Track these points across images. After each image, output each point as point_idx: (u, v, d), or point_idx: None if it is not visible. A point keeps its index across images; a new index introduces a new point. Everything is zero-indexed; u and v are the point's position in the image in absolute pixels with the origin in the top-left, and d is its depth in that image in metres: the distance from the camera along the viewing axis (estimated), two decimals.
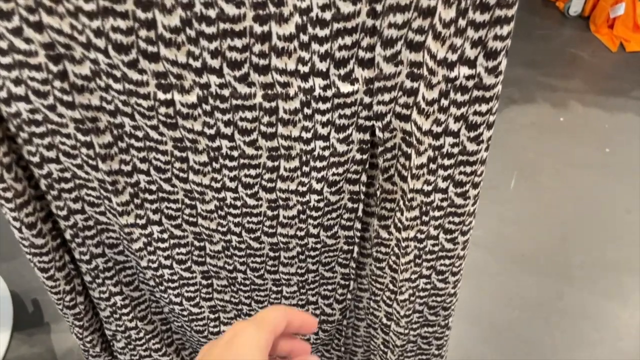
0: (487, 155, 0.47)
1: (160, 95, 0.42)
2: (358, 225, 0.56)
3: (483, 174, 0.49)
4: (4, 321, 1.28)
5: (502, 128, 1.68)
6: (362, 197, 0.53)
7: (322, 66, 0.41)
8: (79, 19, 0.38)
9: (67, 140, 0.46)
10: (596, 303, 1.29)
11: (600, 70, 1.97)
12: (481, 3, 0.37)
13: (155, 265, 0.59)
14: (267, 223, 0.54)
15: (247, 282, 0.62)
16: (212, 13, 0.38)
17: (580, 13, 2.16)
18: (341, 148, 0.47)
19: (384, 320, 0.66)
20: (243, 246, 0.57)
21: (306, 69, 0.41)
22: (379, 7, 0.39)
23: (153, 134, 0.46)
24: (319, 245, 0.57)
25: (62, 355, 1.23)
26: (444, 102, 0.42)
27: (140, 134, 0.46)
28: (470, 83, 0.41)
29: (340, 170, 0.49)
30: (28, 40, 0.39)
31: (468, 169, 0.47)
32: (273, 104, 0.43)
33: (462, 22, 0.38)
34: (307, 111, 0.44)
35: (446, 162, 0.47)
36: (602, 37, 2.07)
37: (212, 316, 0.69)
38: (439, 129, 0.44)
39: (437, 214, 0.51)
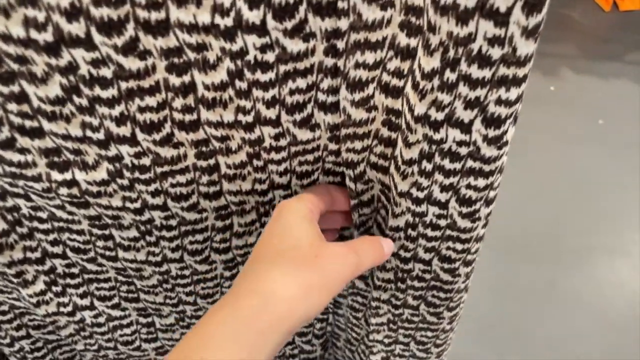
0: (485, 232, 0.39)
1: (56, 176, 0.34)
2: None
3: (479, 251, 0.41)
4: None
5: None
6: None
7: (268, 113, 0.33)
8: None
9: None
10: (590, 290, 1.24)
11: (592, 32, 1.86)
12: (479, 55, 0.27)
13: (95, 347, 0.52)
14: (226, 284, 0.47)
15: (201, 313, 0.56)
16: (107, 72, 0.29)
17: None
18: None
19: None
20: (202, 313, 0.50)
21: (248, 118, 0.33)
22: (340, 44, 0.30)
23: (61, 213, 0.37)
24: None
25: None
26: (427, 166, 0.33)
27: (43, 214, 0.37)
28: (464, 150, 0.32)
29: None
30: None
31: (459, 246, 0.39)
32: (212, 160, 0.35)
33: (450, 76, 0.29)
34: (257, 163, 0.35)
35: (430, 232, 0.38)
36: None
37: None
38: (421, 195, 0.35)
39: (417, 284, 0.43)
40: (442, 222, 0.37)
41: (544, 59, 1.74)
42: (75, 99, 0.30)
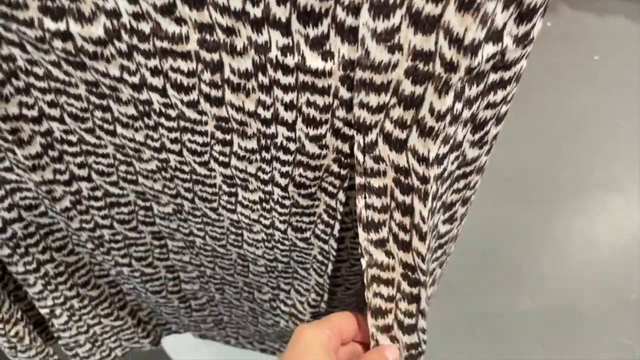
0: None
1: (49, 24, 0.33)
2: (334, 243, 0.46)
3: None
4: None
5: None
6: (340, 216, 0.43)
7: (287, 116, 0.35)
8: None
9: None
10: (583, 225, 1.26)
11: None
12: (477, 75, 0.29)
13: (91, 225, 0.50)
14: (224, 197, 0.45)
15: (208, 248, 0.55)
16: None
17: None
18: (311, 148, 0.36)
19: None
20: (198, 213, 0.48)
21: (268, 114, 0.35)
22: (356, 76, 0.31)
23: (57, 72, 0.37)
24: (287, 242, 0.49)
25: None
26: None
27: (40, 71, 0.37)
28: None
29: (310, 174, 0.39)
30: None
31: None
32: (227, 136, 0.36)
33: (458, 106, 0.31)
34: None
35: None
36: None
37: (170, 275, 0.61)
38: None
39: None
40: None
41: None
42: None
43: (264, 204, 0.44)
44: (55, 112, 0.40)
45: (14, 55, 0.36)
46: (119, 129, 0.40)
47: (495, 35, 0.27)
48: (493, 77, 0.29)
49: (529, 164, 1.35)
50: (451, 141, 0.31)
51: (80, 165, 0.45)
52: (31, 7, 0.32)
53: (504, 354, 1.09)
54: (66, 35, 0.33)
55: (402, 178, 0.33)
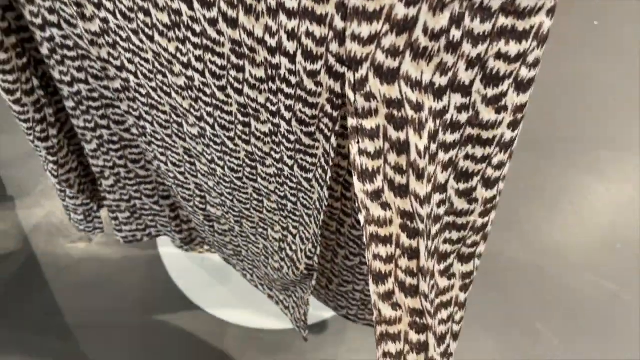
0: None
1: None
2: (326, 192, 0.46)
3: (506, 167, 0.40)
4: None
5: None
6: (332, 162, 0.43)
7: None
8: None
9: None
10: (573, 177, 1.30)
11: None
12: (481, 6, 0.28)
13: (136, 114, 0.53)
14: (240, 128, 0.47)
15: (227, 179, 0.57)
16: None
17: None
18: (309, 84, 0.37)
19: None
20: (218, 141, 0.50)
21: None
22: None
23: None
24: (294, 180, 0.50)
25: (30, 230, 1.18)
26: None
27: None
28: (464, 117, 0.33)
29: (308, 112, 0.39)
30: None
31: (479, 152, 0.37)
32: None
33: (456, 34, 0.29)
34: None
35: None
36: None
37: (198, 192, 0.64)
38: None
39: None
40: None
41: None
42: None
43: (273, 137, 0.45)
44: (110, 5, 0.42)
45: None
46: (156, 36, 0.42)
47: None
48: None
49: (527, 118, 1.39)
50: (450, 74, 0.30)
51: (129, 61, 0.47)
52: None
53: (494, 294, 1.13)
54: None
55: (394, 112, 0.32)
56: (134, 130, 0.59)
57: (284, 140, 0.44)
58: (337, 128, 0.38)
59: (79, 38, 0.48)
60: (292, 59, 0.35)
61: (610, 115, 1.41)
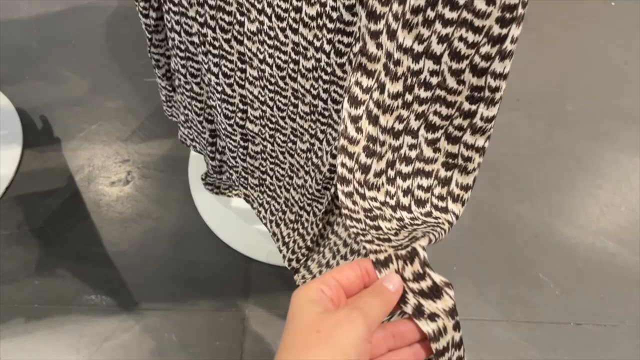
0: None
1: None
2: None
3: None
4: (14, 138, 1.31)
5: None
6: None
7: None
8: None
9: None
10: (583, 145, 1.36)
11: None
12: None
13: (202, 20, 0.62)
14: (292, 15, 0.55)
15: (272, 80, 0.66)
16: None
17: None
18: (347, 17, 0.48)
19: None
20: (272, 34, 0.59)
21: None
22: None
23: None
24: (329, 70, 0.58)
25: (75, 171, 1.28)
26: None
27: None
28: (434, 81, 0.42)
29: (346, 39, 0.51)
30: None
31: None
32: None
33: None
34: None
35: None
36: None
37: (241, 107, 0.72)
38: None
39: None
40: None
41: None
42: None
43: (318, 20, 0.53)
44: None
45: None
46: None
47: None
48: None
49: (542, 86, 1.46)
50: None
51: None
52: None
53: (501, 246, 1.20)
54: None
55: (389, 63, 0.42)
56: (196, 39, 0.67)
57: (327, 21, 0.52)
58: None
59: None
60: None
61: (621, 87, 1.47)
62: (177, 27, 0.67)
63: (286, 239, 0.89)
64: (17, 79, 1.42)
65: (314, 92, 0.62)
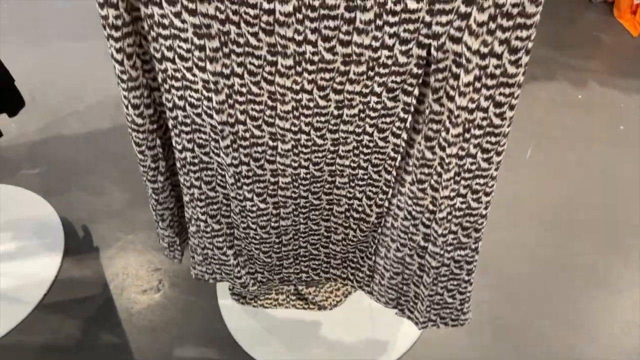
0: (524, 80, 0.58)
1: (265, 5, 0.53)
2: (405, 135, 0.66)
3: (518, 98, 0.59)
4: (56, 246, 1.40)
5: (523, 102, 1.76)
6: (413, 109, 0.63)
7: None
8: None
9: (184, 44, 0.57)
10: (599, 260, 1.39)
11: (620, 53, 2.05)
12: None
13: (237, 162, 0.70)
14: (332, 121, 0.65)
15: (308, 176, 0.74)
16: None
17: None
18: (402, 59, 0.57)
19: (422, 243, 0.77)
20: (309, 143, 0.68)
21: None
22: None
23: (252, 40, 0.56)
24: (371, 144, 0.68)
25: (110, 279, 1.35)
26: (492, 25, 0.52)
27: (241, 40, 0.57)
28: (515, 10, 0.51)
29: (399, 79, 0.59)
30: None
31: (507, 91, 0.57)
32: (352, 14, 0.54)
33: None
34: (378, 22, 0.54)
35: (489, 82, 0.57)
36: (625, 23, 2.14)
37: (274, 212, 0.80)
38: (486, 50, 0.54)
39: (477, 132, 0.61)
40: (498, 71, 0.56)
41: (574, 72, 1.93)
42: None
43: (360, 114, 0.63)
44: (239, 70, 0.60)
45: (230, 30, 0.55)
46: (277, 79, 0.60)
47: None
48: None
49: (556, 203, 1.52)
50: None
51: (242, 112, 0.65)
52: None
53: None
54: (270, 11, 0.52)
55: (457, 59, 0.54)
56: (227, 183, 0.75)
57: (370, 112, 0.62)
58: (420, 81, 0.59)
59: (197, 117, 0.66)
60: (390, 49, 0.56)
61: (629, 205, 1.52)
62: (198, 183, 0.77)
63: (343, 275, 0.95)
64: (64, 190, 1.54)
65: (354, 165, 0.71)
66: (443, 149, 0.64)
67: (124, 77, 0.62)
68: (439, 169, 0.67)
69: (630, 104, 1.82)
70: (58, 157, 1.64)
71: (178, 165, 0.75)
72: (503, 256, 1.39)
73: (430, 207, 0.72)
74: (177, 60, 0.59)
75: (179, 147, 0.71)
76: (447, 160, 0.65)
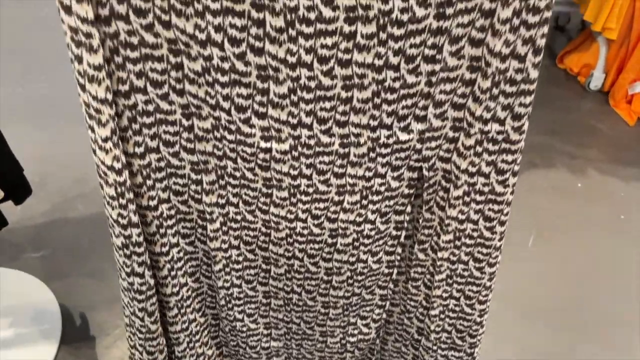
0: (512, 199, 0.59)
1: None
2: (400, 250, 0.67)
3: (508, 215, 0.61)
4: (53, 334, 1.38)
5: (522, 190, 1.78)
6: (406, 225, 0.64)
7: (388, 121, 0.54)
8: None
9: (171, 128, 0.55)
10: (605, 356, 1.36)
11: (617, 141, 2.08)
12: (510, 79, 0.50)
13: (228, 284, 0.70)
14: (326, 249, 0.66)
15: (300, 303, 0.73)
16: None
17: (600, 88, 2.30)
18: (394, 184, 0.59)
19: (415, 336, 0.76)
20: (302, 270, 0.68)
21: (375, 123, 0.54)
22: (433, 79, 0.52)
23: (248, 174, 0.58)
24: (365, 270, 0.68)
25: None
26: (479, 149, 0.55)
27: (238, 174, 0.58)
28: (500, 137, 0.53)
29: (391, 202, 0.61)
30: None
31: (496, 207, 0.59)
32: (346, 149, 0.56)
33: (495, 90, 0.51)
34: (372, 155, 0.56)
35: (478, 197, 0.58)
36: (621, 112, 2.20)
37: (265, 332, 0.79)
38: (474, 170, 0.56)
39: (468, 241, 0.62)
40: (486, 189, 0.57)
41: (573, 160, 1.96)
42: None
43: (355, 243, 0.64)
44: (235, 200, 0.60)
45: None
46: (272, 209, 0.62)
47: None
48: None
49: (559, 296, 1.50)
50: (492, 111, 0.53)
51: (236, 238, 0.65)
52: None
53: None
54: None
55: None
56: (219, 303, 0.74)
57: (365, 240, 0.61)
58: (411, 200, 0.59)
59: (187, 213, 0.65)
60: (383, 176, 0.58)
61: (633, 297, 1.50)
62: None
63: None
64: (65, 275, 1.54)
65: (348, 294, 0.70)
66: (435, 251, 0.65)
67: (111, 192, 0.58)
68: (431, 269, 0.67)
69: (630, 193, 1.84)
70: (62, 241, 1.65)
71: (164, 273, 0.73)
72: (502, 354, 1.36)
73: (424, 303, 0.72)
74: (171, 196, 0.61)
75: (165, 248, 0.68)
76: (438, 263, 0.65)
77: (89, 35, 0.45)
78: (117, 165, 0.54)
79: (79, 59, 0.47)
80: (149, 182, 0.59)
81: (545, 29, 0.51)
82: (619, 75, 2.22)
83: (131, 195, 0.58)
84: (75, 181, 1.86)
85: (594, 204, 1.80)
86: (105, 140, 0.53)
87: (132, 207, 0.58)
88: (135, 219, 0.59)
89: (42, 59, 2.40)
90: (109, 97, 0.50)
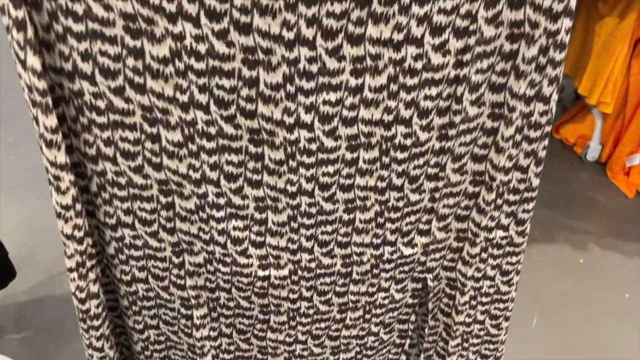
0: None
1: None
2: (404, 357, 0.62)
3: (512, 309, 0.58)
4: None
5: (524, 266, 1.73)
6: (410, 333, 0.60)
7: (391, 238, 0.51)
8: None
9: (160, 264, 0.53)
10: None
11: (617, 214, 2.06)
12: (514, 189, 0.47)
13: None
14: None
15: None
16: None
17: (597, 159, 2.29)
18: (398, 296, 0.55)
19: None
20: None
21: (378, 241, 0.51)
22: (437, 195, 0.49)
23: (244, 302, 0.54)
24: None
25: None
26: (484, 255, 0.52)
27: (232, 304, 0.55)
28: (504, 242, 0.51)
29: (395, 314, 0.57)
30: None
31: (501, 305, 0.56)
32: (348, 269, 0.52)
33: (499, 201, 0.48)
34: (375, 271, 0.53)
35: (484, 299, 0.55)
36: (619, 184, 2.18)
37: None
38: (479, 275, 0.53)
39: (475, 341, 0.58)
40: (491, 290, 0.53)
41: (574, 234, 1.92)
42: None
43: (357, 356, 0.60)
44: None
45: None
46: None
47: None
48: None
49: None
50: (496, 220, 0.51)
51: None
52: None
53: None
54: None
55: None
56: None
57: (368, 351, 0.57)
58: (416, 309, 0.55)
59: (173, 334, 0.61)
60: (386, 290, 0.53)
61: None
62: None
63: None
64: (47, 359, 1.46)
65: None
66: (443, 357, 0.61)
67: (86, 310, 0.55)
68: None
69: (633, 269, 1.79)
70: (45, 320, 1.58)
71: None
72: None
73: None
74: (161, 325, 0.57)
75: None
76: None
77: (44, 94, 0.43)
78: (78, 234, 0.50)
79: (36, 121, 0.46)
80: (135, 308, 0.56)
81: (546, 142, 0.50)
82: (616, 147, 2.21)
83: (93, 263, 0.53)
84: (61, 256, 1.81)
85: (597, 281, 1.75)
86: (66, 208, 0.49)
87: (92, 276, 0.54)
88: (94, 288, 0.54)
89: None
90: (69, 161, 0.47)
